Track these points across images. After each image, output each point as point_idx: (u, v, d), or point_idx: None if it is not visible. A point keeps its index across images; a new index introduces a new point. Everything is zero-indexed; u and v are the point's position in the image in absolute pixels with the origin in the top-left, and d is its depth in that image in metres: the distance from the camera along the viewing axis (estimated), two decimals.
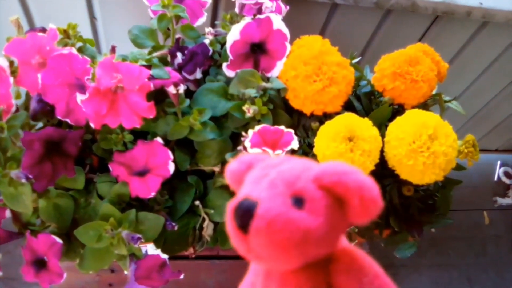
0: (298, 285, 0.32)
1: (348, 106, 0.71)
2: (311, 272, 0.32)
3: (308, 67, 0.65)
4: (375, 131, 0.62)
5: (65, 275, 0.61)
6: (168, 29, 0.68)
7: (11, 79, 0.57)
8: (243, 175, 0.33)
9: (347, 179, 0.29)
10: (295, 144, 0.61)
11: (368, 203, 0.29)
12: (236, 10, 0.73)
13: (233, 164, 0.35)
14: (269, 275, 0.34)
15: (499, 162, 1.60)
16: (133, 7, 0.85)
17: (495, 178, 1.59)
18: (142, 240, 0.60)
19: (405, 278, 1.35)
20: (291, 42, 0.70)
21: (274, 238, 0.28)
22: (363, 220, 0.30)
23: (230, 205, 0.30)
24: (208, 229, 0.70)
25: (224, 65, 0.67)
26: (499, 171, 1.58)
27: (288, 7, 0.75)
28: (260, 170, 0.32)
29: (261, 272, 0.35)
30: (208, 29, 0.70)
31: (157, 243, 0.65)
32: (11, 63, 0.59)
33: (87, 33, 0.90)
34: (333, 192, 0.30)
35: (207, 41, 0.70)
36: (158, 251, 0.62)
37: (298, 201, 0.29)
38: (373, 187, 0.29)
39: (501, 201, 1.54)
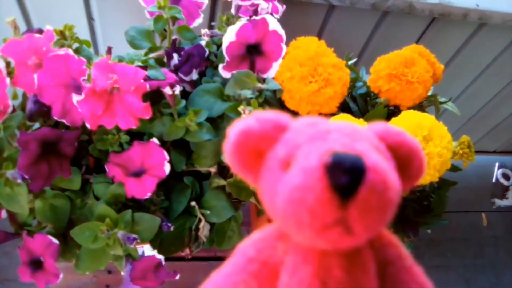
0: (366, 264, 0.27)
1: (344, 107, 0.71)
2: (366, 250, 0.28)
3: (304, 68, 0.65)
4: None
5: (61, 275, 0.61)
6: (165, 30, 0.69)
7: (8, 80, 0.58)
8: (267, 137, 0.26)
9: (409, 139, 0.27)
10: None
11: (424, 164, 0.28)
12: (233, 11, 0.73)
13: (251, 122, 0.27)
14: (324, 260, 0.26)
15: (497, 164, 1.60)
16: (131, 8, 0.86)
17: (494, 180, 1.58)
18: (138, 241, 0.60)
19: None
20: (289, 44, 0.70)
21: (386, 197, 0.22)
22: (414, 183, 0.28)
23: (315, 163, 0.22)
24: (204, 230, 0.70)
25: (220, 66, 0.67)
26: (497, 172, 1.58)
27: (284, 6, 0.75)
28: (307, 128, 0.25)
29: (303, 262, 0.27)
30: (204, 31, 0.71)
31: (153, 244, 0.65)
32: (8, 64, 0.59)
33: (85, 34, 0.90)
34: (395, 152, 0.27)
35: (203, 43, 0.70)
36: (154, 252, 0.62)
37: None
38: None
39: (499, 202, 1.54)
